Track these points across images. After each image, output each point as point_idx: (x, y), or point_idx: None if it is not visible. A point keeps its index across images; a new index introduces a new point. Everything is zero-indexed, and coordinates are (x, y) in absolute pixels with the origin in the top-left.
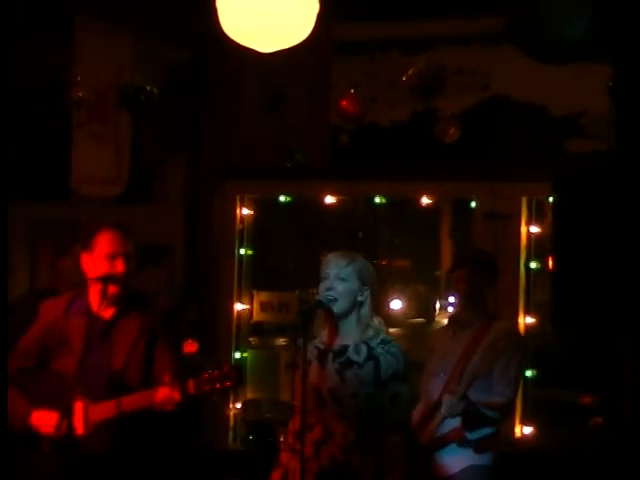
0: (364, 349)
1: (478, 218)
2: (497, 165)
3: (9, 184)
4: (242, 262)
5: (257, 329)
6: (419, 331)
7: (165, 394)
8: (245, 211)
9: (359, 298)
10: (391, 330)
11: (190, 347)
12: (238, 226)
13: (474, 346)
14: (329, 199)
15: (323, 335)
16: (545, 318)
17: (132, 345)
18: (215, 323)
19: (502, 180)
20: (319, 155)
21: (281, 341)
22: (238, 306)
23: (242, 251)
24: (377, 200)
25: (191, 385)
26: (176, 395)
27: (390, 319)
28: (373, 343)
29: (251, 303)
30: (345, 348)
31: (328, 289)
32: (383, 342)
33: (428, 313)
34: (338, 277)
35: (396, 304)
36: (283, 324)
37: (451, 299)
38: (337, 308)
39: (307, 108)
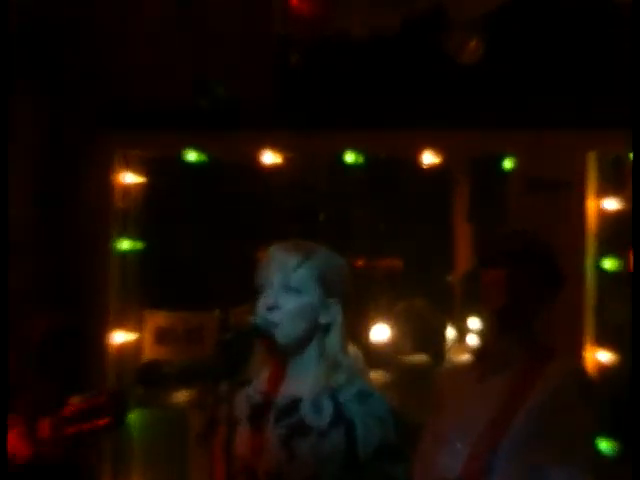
0: (329, 405)
1: (516, 188)
2: (546, 102)
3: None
4: (125, 263)
5: (150, 374)
6: (420, 376)
7: (10, 442)
8: (130, 178)
9: (321, 320)
10: (374, 375)
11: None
12: (118, 203)
13: (516, 401)
14: (270, 158)
15: (261, 380)
16: (628, 351)
17: None
18: (80, 363)
19: (555, 126)
20: (255, 87)
21: (189, 394)
22: (118, 336)
23: (125, 245)
24: (349, 160)
25: (45, 427)
26: (21, 444)
27: (373, 356)
28: (344, 396)
29: (140, 330)
30: (296, 403)
31: (270, 307)
32: (361, 395)
33: (434, 345)
34: (286, 286)
35: (381, 332)
36: (194, 365)
37: (474, 322)
38: (284, 337)
39: (236, 11)
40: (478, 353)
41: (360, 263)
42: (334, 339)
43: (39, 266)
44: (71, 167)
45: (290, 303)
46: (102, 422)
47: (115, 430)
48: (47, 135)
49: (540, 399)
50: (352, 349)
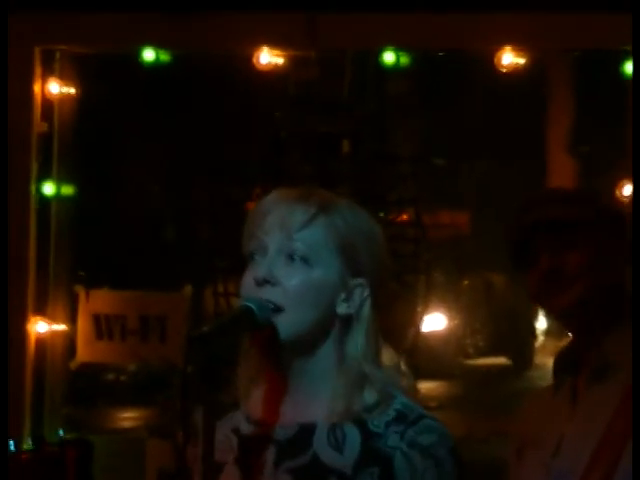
0: (355, 437)
1: None
2: None
3: None
4: (49, 217)
5: (88, 384)
6: (497, 388)
7: None
8: (57, 89)
9: (340, 309)
10: (426, 387)
11: None
12: (39, 127)
13: (627, 418)
14: (267, 57)
15: (252, 401)
16: None
17: None
18: None
19: None
20: None
21: (145, 415)
22: (40, 326)
23: (49, 189)
24: (389, 59)
25: None
26: None
27: (424, 360)
28: (378, 421)
29: (73, 318)
30: (307, 434)
31: (261, 281)
32: (402, 419)
33: (518, 345)
34: (287, 251)
35: (437, 323)
36: (153, 370)
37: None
38: (286, 329)
39: None
40: (576, 355)
41: (404, 218)
42: (359, 338)
43: None
44: None
45: (293, 277)
46: None
47: None
48: None
49: None
50: (388, 353)
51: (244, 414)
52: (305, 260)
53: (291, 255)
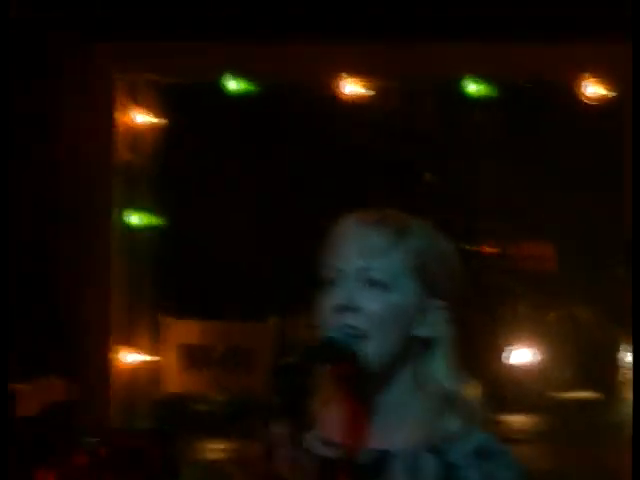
0: (432, 467)
1: None
2: None
3: None
4: (133, 247)
5: (172, 415)
6: (585, 423)
7: None
8: (141, 118)
9: (418, 332)
10: (511, 420)
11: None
12: (123, 156)
13: None
14: (350, 87)
15: (328, 425)
16: None
17: None
18: (68, 397)
19: None
20: None
21: (228, 445)
22: (126, 356)
23: (134, 219)
24: (470, 89)
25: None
26: None
27: (510, 393)
28: (457, 453)
29: (157, 349)
30: (385, 460)
31: (341, 308)
32: (482, 453)
33: (605, 379)
34: (367, 277)
35: (523, 357)
36: (238, 402)
37: None
38: (369, 355)
39: None
40: None
41: (487, 250)
42: (439, 362)
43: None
44: (45, 101)
45: (373, 303)
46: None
47: None
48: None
49: None
50: (471, 384)
51: (319, 435)
52: (384, 285)
53: (370, 281)
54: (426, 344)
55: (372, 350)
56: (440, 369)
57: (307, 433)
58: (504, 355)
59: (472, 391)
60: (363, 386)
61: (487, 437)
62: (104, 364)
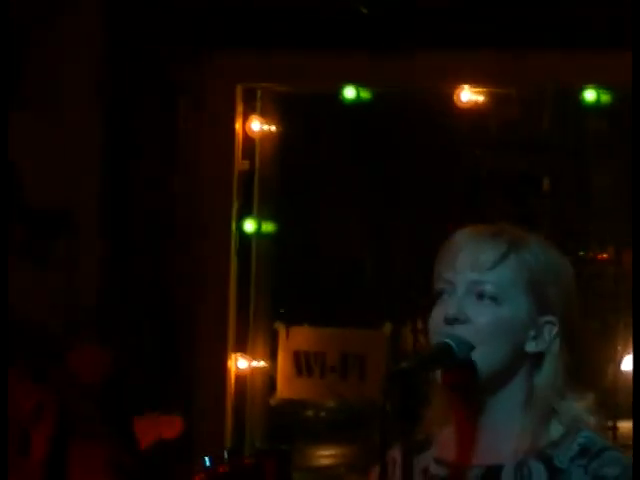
0: (540, 474)
1: None
2: None
3: None
4: (249, 253)
5: (287, 421)
6: None
7: None
8: (257, 126)
9: (529, 348)
10: (625, 426)
11: (169, 428)
12: (240, 165)
13: None
14: (467, 95)
15: (443, 442)
16: None
17: None
18: (186, 402)
19: None
20: None
21: (343, 452)
22: (241, 363)
23: (248, 226)
24: (588, 97)
25: None
26: None
27: (625, 400)
28: (563, 456)
29: (272, 355)
30: (495, 474)
31: (451, 319)
32: (587, 452)
33: None
34: (477, 290)
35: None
36: (352, 408)
37: None
38: (482, 366)
39: None
40: None
41: (604, 257)
42: (548, 377)
43: (117, 256)
44: (166, 113)
45: (483, 316)
46: None
47: None
48: (116, 61)
49: None
50: (582, 390)
51: (433, 455)
52: (494, 299)
53: (480, 294)
54: (536, 359)
55: (480, 361)
56: (549, 384)
57: (423, 453)
58: (618, 362)
59: (582, 399)
60: (474, 396)
61: (591, 437)
62: (222, 371)
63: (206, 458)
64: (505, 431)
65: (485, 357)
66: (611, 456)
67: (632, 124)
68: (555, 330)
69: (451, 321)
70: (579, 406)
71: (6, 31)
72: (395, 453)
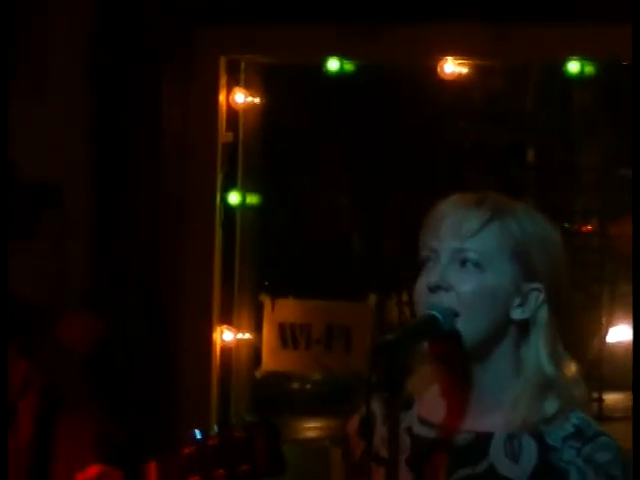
0: (531, 448)
1: None
2: None
3: None
4: (234, 225)
5: (272, 393)
6: None
7: None
8: (242, 99)
9: (514, 315)
10: (610, 398)
11: None
12: (224, 137)
13: None
14: (452, 67)
15: (426, 405)
16: None
17: None
18: (170, 375)
19: None
20: None
21: (327, 424)
22: (226, 335)
23: (233, 198)
24: (572, 69)
25: (152, 473)
26: None
27: (610, 372)
28: (555, 434)
29: (258, 327)
30: (484, 441)
31: (434, 287)
32: (580, 435)
33: None
34: (460, 257)
35: (624, 333)
36: (337, 380)
37: None
38: (465, 335)
39: None
40: None
41: (589, 229)
42: (537, 345)
43: (103, 231)
44: (150, 84)
45: (466, 283)
46: (241, 468)
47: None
48: (104, 33)
49: None
50: (569, 364)
51: (417, 415)
52: (477, 265)
53: (463, 261)
54: (524, 326)
55: (464, 329)
56: (538, 352)
57: (405, 412)
58: (603, 334)
59: (571, 371)
60: (460, 365)
61: (585, 419)
62: (206, 343)
63: (196, 431)
64: (494, 400)
65: (469, 325)
66: (604, 442)
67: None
68: (541, 297)
69: (434, 289)
70: (572, 381)
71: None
72: (375, 407)
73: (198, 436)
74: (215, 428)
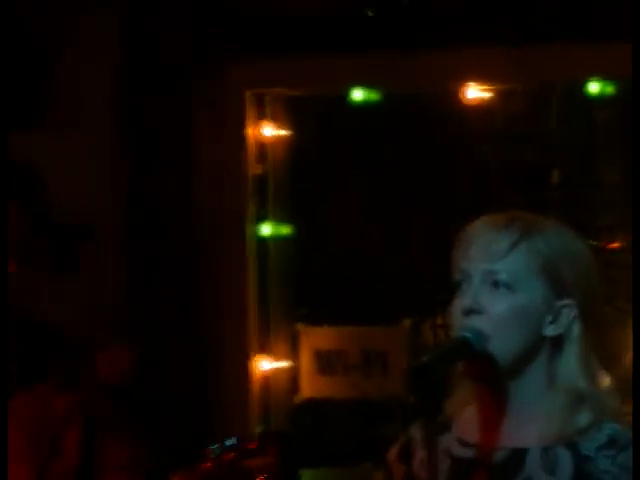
0: (567, 460)
1: None
2: None
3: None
4: (266, 256)
5: (312, 418)
6: None
7: None
8: (268, 131)
9: (547, 331)
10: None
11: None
12: (254, 169)
13: None
14: (475, 92)
15: (463, 424)
16: None
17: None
18: (209, 406)
19: None
20: None
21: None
22: (263, 364)
23: (265, 229)
24: (592, 89)
25: None
26: None
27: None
28: (590, 445)
29: (295, 355)
30: (520, 457)
31: (467, 310)
32: (614, 444)
33: None
34: (491, 279)
35: None
36: (376, 402)
37: None
38: (498, 356)
39: None
40: None
41: (616, 245)
42: (570, 359)
43: (135, 265)
44: (181, 117)
45: (498, 305)
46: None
47: None
48: (133, 75)
49: None
50: (603, 378)
51: (455, 436)
52: (508, 287)
53: (495, 283)
54: (557, 342)
55: (498, 349)
56: (571, 366)
57: (444, 435)
58: (632, 348)
59: (604, 383)
60: (495, 384)
61: (618, 428)
62: (243, 372)
63: (214, 446)
64: (529, 415)
65: (502, 346)
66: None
67: (632, 128)
68: (573, 313)
69: (467, 312)
70: (605, 393)
71: (25, 46)
72: (414, 432)
73: (217, 452)
74: (234, 440)
